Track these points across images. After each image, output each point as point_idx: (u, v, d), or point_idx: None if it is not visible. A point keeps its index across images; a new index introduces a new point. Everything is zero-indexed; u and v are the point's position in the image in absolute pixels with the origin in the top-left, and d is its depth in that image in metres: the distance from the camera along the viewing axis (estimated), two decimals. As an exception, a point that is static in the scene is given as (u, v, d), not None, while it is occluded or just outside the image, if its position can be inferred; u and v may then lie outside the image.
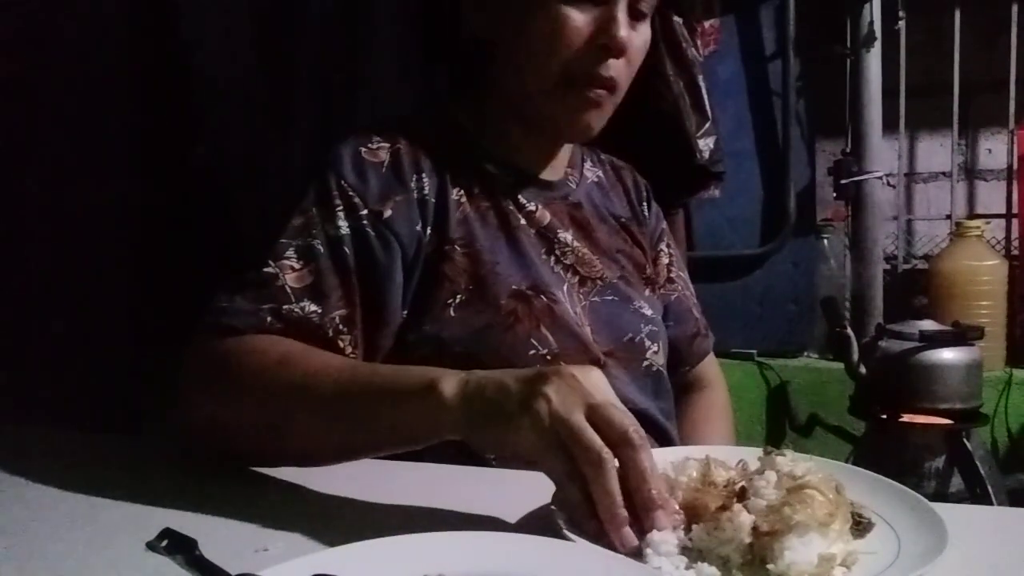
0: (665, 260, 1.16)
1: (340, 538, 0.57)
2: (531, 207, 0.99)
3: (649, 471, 0.59)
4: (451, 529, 0.59)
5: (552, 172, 1.04)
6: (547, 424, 0.60)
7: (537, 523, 0.66)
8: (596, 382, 0.69)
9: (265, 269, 0.84)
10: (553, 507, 0.64)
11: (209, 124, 2.53)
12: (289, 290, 0.84)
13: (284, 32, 2.43)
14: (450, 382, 0.66)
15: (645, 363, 1.02)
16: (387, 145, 0.92)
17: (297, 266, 0.85)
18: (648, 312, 1.05)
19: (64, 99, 2.36)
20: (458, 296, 0.90)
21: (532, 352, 0.90)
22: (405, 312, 0.90)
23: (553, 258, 0.99)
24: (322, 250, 0.86)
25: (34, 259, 2.29)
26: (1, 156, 2.18)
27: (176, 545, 0.61)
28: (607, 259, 1.04)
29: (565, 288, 0.97)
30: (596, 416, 0.61)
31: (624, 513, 0.58)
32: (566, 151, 1.07)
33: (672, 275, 1.16)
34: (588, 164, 1.11)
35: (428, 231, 0.91)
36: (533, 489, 0.71)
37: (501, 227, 0.96)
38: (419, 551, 0.55)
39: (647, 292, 1.09)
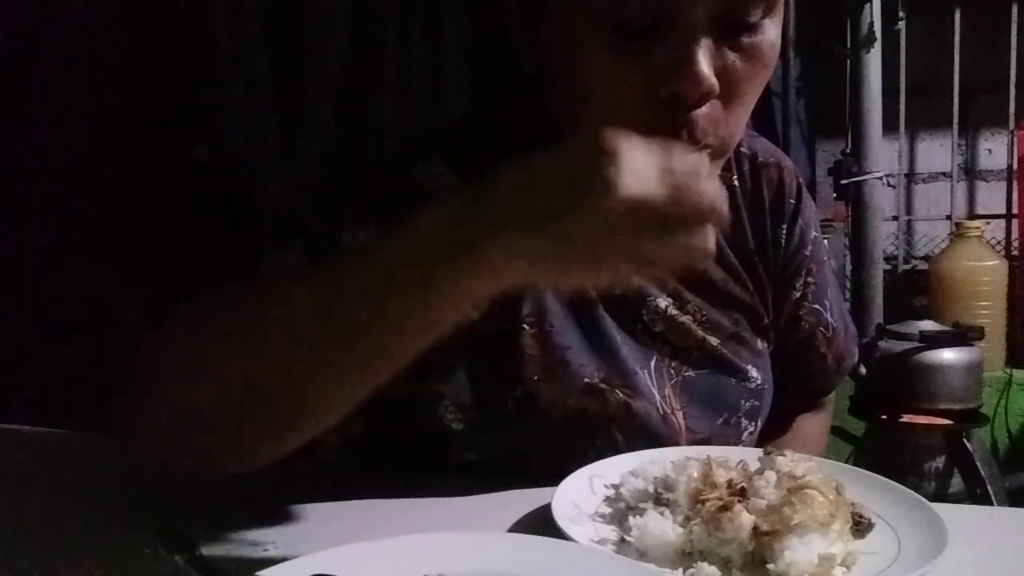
0: (796, 295, 0.90)
1: (340, 538, 0.57)
2: None
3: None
4: (451, 529, 0.59)
5: None
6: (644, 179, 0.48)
7: (537, 523, 0.66)
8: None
9: (265, 257, 0.74)
10: (553, 506, 0.64)
11: (213, 123, 2.52)
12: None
13: (297, 27, 2.42)
14: (439, 209, 0.52)
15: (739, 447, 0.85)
16: (445, 172, 0.74)
17: (295, 259, 0.73)
18: (755, 382, 0.85)
19: (60, 95, 2.35)
20: (519, 389, 0.75)
21: (592, 452, 0.74)
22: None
23: (640, 327, 0.81)
24: (331, 255, 0.71)
25: (31, 258, 2.29)
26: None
27: (176, 545, 0.61)
28: (715, 315, 0.84)
29: (652, 364, 0.81)
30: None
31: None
32: None
33: (801, 311, 0.91)
34: (719, 168, 0.82)
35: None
36: (533, 490, 0.71)
37: (575, 298, 0.77)
38: (419, 551, 0.55)
39: (760, 345, 0.87)
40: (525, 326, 0.76)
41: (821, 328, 0.93)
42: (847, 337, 0.96)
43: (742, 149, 0.88)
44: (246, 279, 0.69)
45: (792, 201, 0.89)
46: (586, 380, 0.76)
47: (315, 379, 0.57)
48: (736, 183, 0.86)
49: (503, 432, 0.75)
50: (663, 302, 0.81)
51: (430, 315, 0.54)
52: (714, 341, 0.83)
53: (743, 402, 0.85)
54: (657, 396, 0.80)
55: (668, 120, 0.64)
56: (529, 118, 0.78)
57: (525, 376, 0.75)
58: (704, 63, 0.62)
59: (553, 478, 0.69)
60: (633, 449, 0.76)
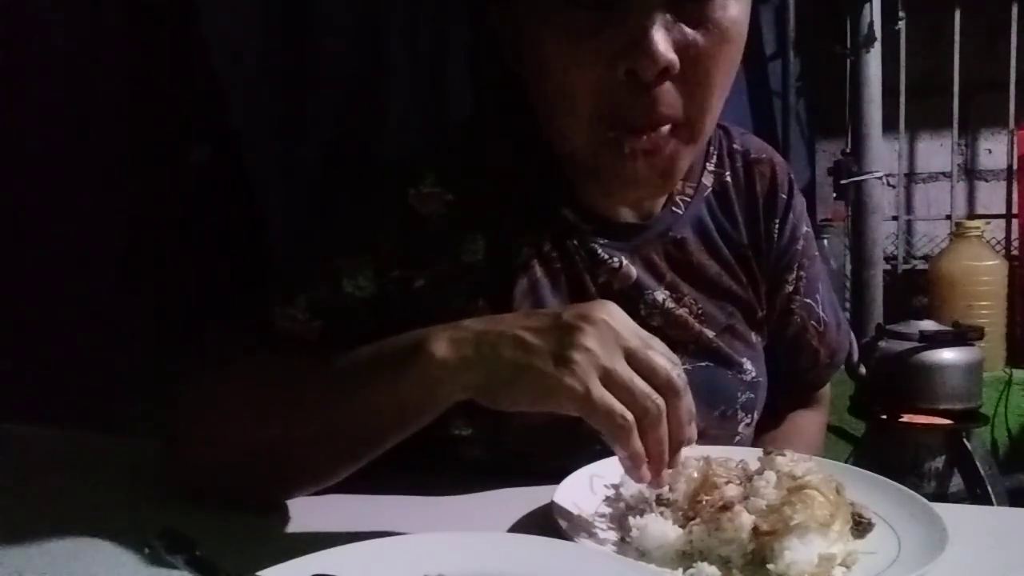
0: (788, 289, 0.91)
1: (340, 538, 0.57)
2: (614, 262, 0.80)
3: (687, 418, 0.59)
4: (451, 529, 0.59)
5: (649, 206, 0.83)
6: (594, 377, 0.57)
7: (537, 523, 0.66)
8: (620, 318, 0.61)
9: (273, 310, 0.75)
10: (553, 506, 0.64)
11: (214, 124, 2.52)
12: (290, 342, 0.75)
13: (299, 29, 2.42)
14: (439, 342, 0.60)
15: (736, 438, 0.86)
16: (439, 193, 0.76)
17: (303, 318, 0.74)
18: (750, 375, 0.86)
19: (62, 96, 2.35)
20: None
21: (599, 448, 0.70)
22: None
23: (638, 321, 0.81)
24: (336, 308, 0.75)
25: (31, 259, 2.29)
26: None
27: (176, 545, 0.61)
28: (711, 307, 0.85)
29: None
30: (637, 362, 0.58)
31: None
32: None
33: (793, 305, 0.92)
34: (711, 165, 0.87)
35: (480, 303, 0.76)
36: (533, 490, 0.71)
37: (573, 295, 0.79)
38: (419, 551, 0.55)
39: (754, 338, 0.89)
40: None
41: (813, 322, 0.94)
42: (839, 331, 0.97)
43: (735, 146, 0.89)
44: (269, 345, 0.75)
45: (784, 196, 0.90)
46: None
47: (329, 446, 0.67)
48: (729, 179, 0.87)
49: (509, 432, 0.76)
50: (660, 295, 0.82)
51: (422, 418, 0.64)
52: (710, 334, 0.84)
53: (739, 394, 0.85)
54: None
55: (627, 99, 0.65)
56: (519, 122, 0.79)
57: None
58: (660, 39, 0.62)
59: (556, 477, 0.69)
60: None
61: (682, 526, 0.61)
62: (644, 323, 0.78)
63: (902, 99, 2.20)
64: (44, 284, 2.28)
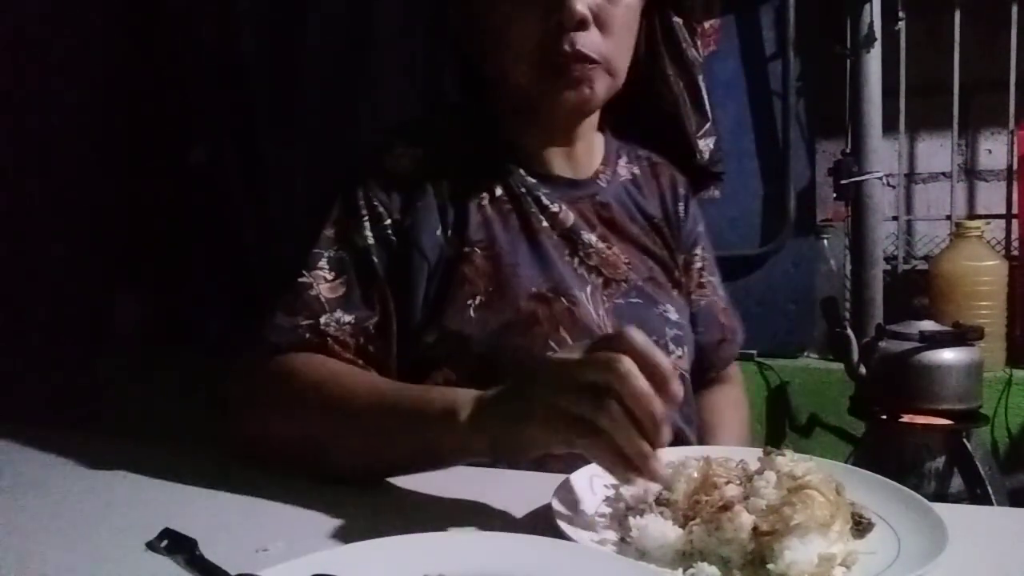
0: (698, 264, 1.14)
1: (340, 538, 0.57)
2: (554, 208, 0.99)
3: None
4: (451, 529, 0.59)
5: (579, 171, 1.04)
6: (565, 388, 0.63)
7: (537, 523, 0.66)
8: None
9: (301, 279, 0.89)
10: (553, 506, 0.64)
11: (208, 125, 2.52)
12: (324, 300, 0.88)
13: (288, 32, 2.43)
14: (466, 406, 0.69)
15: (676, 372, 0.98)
16: (409, 151, 0.95)
17: (329, 277, 0.89)
18: (673, 316, 1.03)
19: (58, 100, 2.35)
20: (478, 297, 0.91)
21: (550, 354, 0.87)
22: (420, 314, 0.92)
23: (577, 260, 0.98)
24: (352, 261, 0.90)
25: (31, 259, 2.29)
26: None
27: (176, 545, 0.61)
28: (635, 259, 1.03)
29: (588, 290, 0.97)
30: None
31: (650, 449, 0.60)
32: (597, 148, 1.07)
33: (703, 280, 1.14)
34: (623, 161, 1.10)
35: (448, 234, 0.93)
36: (533, 489, 0.71)
37: (522, 229, 0.96)
38: (419, 551, 0.55)
39: (675, 294, 1.07)
40: (477, 249, 0.93)
41: (717, 298, 1.15)
42: (735, 316, 1.18)
43: (639, 153, 1.13)
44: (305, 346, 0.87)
45: (682, 191, 1.14)
46: (533, 289, 0.93)
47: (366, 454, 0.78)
48: (638, 172, 1.10)
49: (467, 339, 0.89)
50: (594, 238, 1.00)
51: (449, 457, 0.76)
52: (636, 279, 1.01)
53: (667, 329, 1.01)
54: (594, 314, 0.95)
55: (557, 43, 0.89)
56: (473, 104, 1.03)
57: (481, 287, 0.91)
58: (577, 1, 0.88)
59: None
60: None
61: (682, 526, 0.61)
62: (583, 262, 0.98)
63: (902, 99, 2.20)
64: (44, 284, 2.28)
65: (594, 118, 1.03)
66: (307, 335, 0.87)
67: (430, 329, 0.91)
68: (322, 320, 0.87)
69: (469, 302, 0.91)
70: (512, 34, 0.91)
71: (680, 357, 1.02)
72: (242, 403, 0.87)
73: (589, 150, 1.06)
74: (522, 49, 0.91)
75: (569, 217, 0.99)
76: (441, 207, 0.93)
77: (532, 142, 1.01)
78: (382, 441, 0.77)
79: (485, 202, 0.96)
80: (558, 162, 1.02)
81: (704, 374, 1.14)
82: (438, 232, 0.93)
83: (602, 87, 0.94)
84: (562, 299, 0.93)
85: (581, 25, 0.89)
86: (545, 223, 0.98)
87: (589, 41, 0.90)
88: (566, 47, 0.89)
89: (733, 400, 1.19)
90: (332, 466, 0.79)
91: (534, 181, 0.99)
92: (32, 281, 2.24)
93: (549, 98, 0.93)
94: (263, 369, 0.86)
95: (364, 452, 0.78)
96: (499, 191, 0.97)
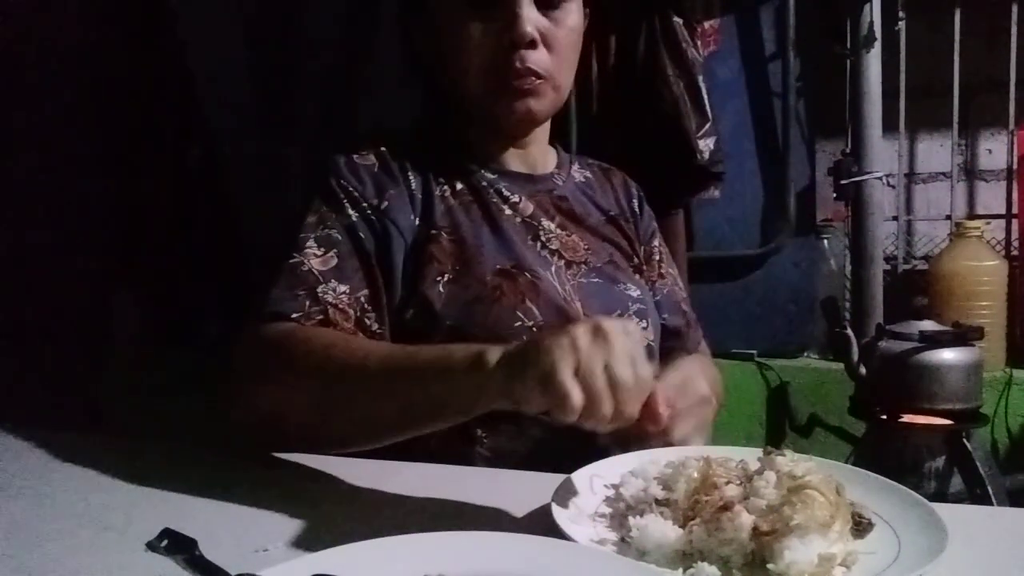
0: (657, 256, 1.21)
1: (340, 538, 0.57)
2: (515, 198, 1.06)
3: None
4: (451, 529, 0.59)
5: (537, 170, 1.11)
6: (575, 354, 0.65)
7: (537, 523, 0.66)
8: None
9: (291, 260, 0.92)
10: (553, 506, 0.64)
11: (206, 126, 2.52)
12: (317, 272, 0.91)
13: (284, 35, 2.43)
14: (494, 352, 0.71)
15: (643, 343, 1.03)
16: (373, 151, 1.02)
17: (319, 252, 0.93)
18: (635, 293, 1.08)
19: (57, 100, 2.35)
20: (446, 275, 0.96)
21: (518, 324, 0.94)
22: (401, 292, 0.97)
23: (539, 244, 1.04)
24: (340, 236, 0.94)
25: (31, 259, 2.29)
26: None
27: (176, 545, 0.61)
28: (594, 246, 1.09)
29: (552, 270, 1.02)
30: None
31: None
32: (551, 155, 1.14)
33: (663, 271, 1.20)
34: (576, 167, 1.18)
35: (417, 220, 0.99)
36: (533, 489, 0.71)
37: (484, 216, 1.02)
38: (419, 551, 0.55)
39: (636, 277, 1.13)
40: (444, 233, 0.98)
41: (679, 288, 1.21)
42: (691, 309, 1.22)
43: (590, 161, 1.22)
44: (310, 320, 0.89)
45: (635, 191, 1.22)
46: (498, 266, 0.98)
47: (370, 420, 0.81)
48: (591, 175, 1.18)
49: (438, 313, 0.94)
50: (554, 225, 1.06)
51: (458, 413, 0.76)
52: (596, 262, 1.07)
53: (630, 304, 1.06)
54: (559, 289, 1.00)
55: (509, 59, 0.97)
56: (437, 111, 1.10)
57: (449, 266, 0.96)
58: (527, 22, 0.96)
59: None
60: (550, 321, 0.94)
61: (682, 526, 0.61)
62: (545, 246, 1.04)
63: (902, 99, 2.20)
64: (43, 284, 2.28)
65: (546, 126, 1.10)
66: (307, 302, 0.89)
67: (408, 305, 0.95)
68: (319, 290, 0.90)
69: (438, 279, 0.96)
70: (469, 51, 0.99)
71: (645, 328, 1.06)
72: (248, 373, 0.88)
73: (544, 153, 1.13)
74: (477, 64, 0.99)
75: (529, 207, 1.06)
76: (410, 195, 1.00)
77: (491, 145, 1.07)
78: (402, 394, 0.77)
79: (448, 194, 1.02)
80: (516, 162, 1.09)
81: (674, 354, 1.15)
82: (411, 217, 0.98)
83: (547, 100, 1.02)
84: (526, 274, 0.99)
85: (530, 45, 0.97)
86: (507, 211, 1.04)
87: (537, 58, 0.98)
88: (516, 63, 0.97)
89: (701, 359, 1.20)
90: (340, 431, 0.82)
91: (494, 176, 1.06)
92: (32, 281, 2.24)
93: (500, 108, 1.01)
94: (267, 338, 0.87)
95: (378, 409, 0.79)
96: (460, 185, 1.03)
